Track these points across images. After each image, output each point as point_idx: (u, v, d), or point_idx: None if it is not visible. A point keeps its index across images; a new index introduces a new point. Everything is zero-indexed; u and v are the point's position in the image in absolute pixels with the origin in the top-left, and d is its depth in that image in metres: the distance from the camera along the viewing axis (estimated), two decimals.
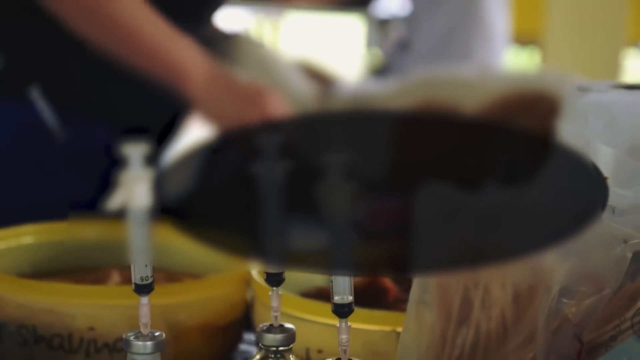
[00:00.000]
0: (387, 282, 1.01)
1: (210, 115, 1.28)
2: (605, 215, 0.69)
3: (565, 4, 3.67)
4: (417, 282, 0.75)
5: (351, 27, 5.06)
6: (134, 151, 0.61)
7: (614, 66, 3.59)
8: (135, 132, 0.63)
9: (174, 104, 1.37)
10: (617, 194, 0.70)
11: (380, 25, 4.66)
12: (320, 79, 1.70)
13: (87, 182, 1.36)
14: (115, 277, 1.05)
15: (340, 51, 5.20)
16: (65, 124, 1.36)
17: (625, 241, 0.67)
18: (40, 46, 1.35)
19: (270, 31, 5.18)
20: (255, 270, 0.97)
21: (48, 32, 1.33)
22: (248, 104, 1.27)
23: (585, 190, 0.71)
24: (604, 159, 0.71)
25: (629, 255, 0.67)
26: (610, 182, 0.70)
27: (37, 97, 1.34)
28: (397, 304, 0.98)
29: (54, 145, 1.35)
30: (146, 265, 0.66)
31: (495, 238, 0.70)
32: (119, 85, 1.36)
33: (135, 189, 0.62)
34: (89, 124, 1.37)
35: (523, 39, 4.32)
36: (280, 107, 1.26)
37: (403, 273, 0.94)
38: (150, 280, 0.66)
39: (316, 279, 1.04)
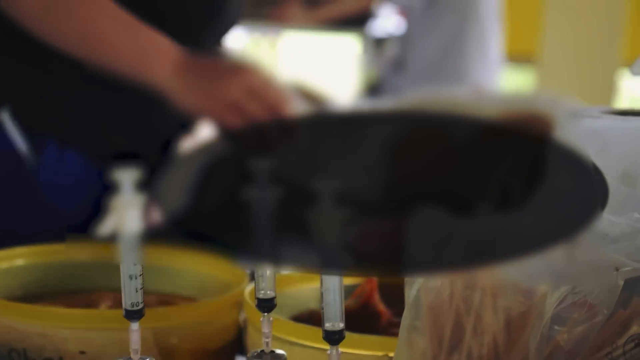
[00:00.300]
0: (380, 306, 1.01)
1: (186, 95, 1.22)
2: (598, 242, 0.69)
3: (561, 24, 3.68)
4: (408, 308, 0.75)
5: (347, 46, 5.06)
6: (125, 177, 0.61)
7: (609, 87, 3.60)
8: (125, 158, 0.63)
9: (149, 132, 1.35)
10: (609, 221, 0.70)
11: (376, 45, 4.67)
12: (312, 99, 1.70)
13: (59, 208, 1.34)
14: (107, 300, 1.05)
15: (335, 71, 5.20)
16: (38, 150, 1.34)
17: (617, 268, 0.67)
18: (11, 69, 1.34)
19: (266, 51, 5.18)
20: (248, 294, 0.96)
21: (20, 55, 1.32)
22: (227, 78, 1.21)
23: (585, 191, 0.71)
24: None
25: (621, 282, 0.67)
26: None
27: (7, 122, 1.32)
28: (390, 328, 0.97)
29: (24, 170, 1.33)
30: (137, 291, 0.66)
31: (487, 262, 0.70)
32: (93, 112, 1.34)
33: (126, 215, 0.62)
34: (62, 150, 1.35)
35: (518, 59, 4.33)
36: (263, 80, 1.22)
37: (395, 274, 0.94)
38: (140, 306, 0.66)
39: (309, 302, 1.04)
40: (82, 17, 1.22)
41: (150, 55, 1.21)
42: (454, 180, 0.86)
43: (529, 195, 0.74)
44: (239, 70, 1.21)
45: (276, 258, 0.70)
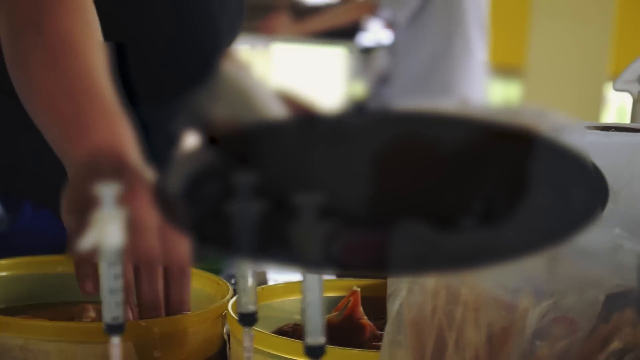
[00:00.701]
0: (363, 319, 1.01)
1: (73, 192, 0.99)
2: (580, 258, 0.69)
3: (547, 36, 3.69)
4: (390, 323, 0.75)
5: (336, 58, 5.07)
6: (106, 191, 0.61)
7: (596, 100, 3.61)
8: None
9: None
10: (591, 236, 0.70)
11: (364, 57, 4.68)
12: (299, 109, 1.70)
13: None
14: (91, 312, 1.05)
15: (323, 82, 5.21)
16: (12, 211, 1.32)
17: (598, 284, 0.67)
18: None
19: (255, 62, 5.19)
20: (231, 307, 0.96)
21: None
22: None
23: (584, 191, 0.71)
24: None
25: (602, 298, 0.67)
26: None
27: None
28: (373, 341, 0.97)
29: None
30: (117, 305, 0.66)
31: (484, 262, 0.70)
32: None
33: (107, 229, 0.62)
34: (37, 211, 1.33)
35: (505, 71, 4.35)
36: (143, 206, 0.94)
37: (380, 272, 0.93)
38: (121, 321, 0.66)
39: (295, 314, 1.04)
40: (32, 62, 1.08)
41: (76, 136, 1.02)
42: (439, 192, 0.86)
43: (514, 208, 0.74)
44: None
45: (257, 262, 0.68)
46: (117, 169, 0.97)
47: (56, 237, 1.22)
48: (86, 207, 0.85)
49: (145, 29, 1.32)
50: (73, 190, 0.97)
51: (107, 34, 1.14)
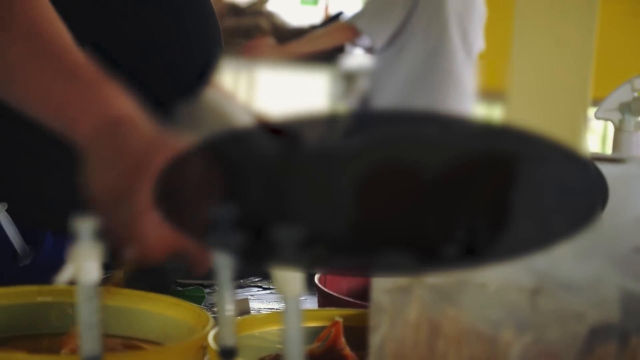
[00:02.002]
0: (346, 349, 1.01)
1: (91, 173, 1.01)
2: (562, 291, 0.68)
3: (530, 61, 3.70)
4: (373, 356, 0.74)
5: (318, 82, 5.08)
6: (84, 226, 0.61)
7: (579, 125, 3.61)
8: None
9: None
10: (574, 269, 0.70)
11: (346, 80, 4.69)
12: (277, 132, 1.69)
13: None
14: (72, 343, 1.04)
15: (305, 105, 5.22)
16: (35, 243, 1.32)
17: (581, 317, 0.67)
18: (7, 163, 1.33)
19: (237, 86, 5.20)
20: (212, 339, 0.95)
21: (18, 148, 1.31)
22: (134, 168, 0.98)
23: (584, 190, 0.71)
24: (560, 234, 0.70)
25: (585, 331, 0.67)
26: (567, 258, 0.70)
27: (3, 218, 1.30)
28: None
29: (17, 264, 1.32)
30: (95, 340, 0.65)
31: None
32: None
33: (84, 264, 0.61)
34: (57, 239, 1.33)
35: (487, 95, 4.36)
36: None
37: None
38: (98, 354, 0.65)
39: (277, 343, 1.03)
40: (10, 58, 1.09)
41: (75, 114, 1.04)
42: (421, 219, 0.85)
43: (496, 237, 0.73)
44: (148, 159, 0.97)
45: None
46: (126, 133, 1.00)
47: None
48: (111, 177, 0.97)
49: (134, 32, 1.33)
50: (93, 168, 1.00)
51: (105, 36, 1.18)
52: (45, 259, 1.32)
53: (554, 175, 0.71)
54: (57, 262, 1.28)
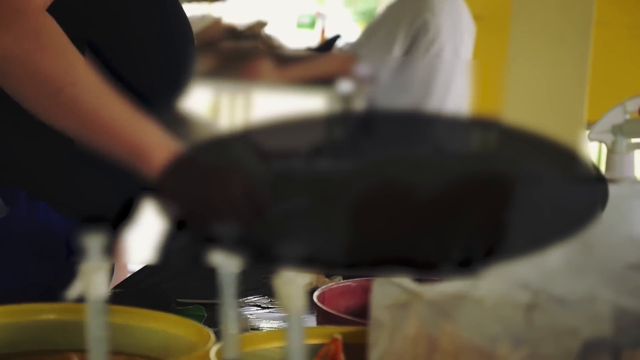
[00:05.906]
0: None
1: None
2: (557, 307, 0.70)
3: (524, 86, 3.72)
4: None
5: (316, 106, 5.09)
6: (93, 242, 0.62)
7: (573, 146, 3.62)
8: (93, 221, 0.64)
9: (121, 189, 1.37)
10: (568, 285, 0.71)
11: (344, 103, 4.70)
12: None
13: (30, 256, 1.36)
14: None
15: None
16: (10, 201, 1.36)
17: (574, 332, 0.69)
18: None
19: (232, 109, 5.20)
20: (214, 355, 0.97)
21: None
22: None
23: (584, 190, 0.72)
24: (555, 250, 0.72)
25: (578, 346, 0.68)
26: (561, 274, 0.71)
27: None
28: None
29: None
30: (103, 355, 0.66)
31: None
32: (62, 166, 1.36)
33: (93, 280, 0.63)
34: (32, 202, 1.37)
35: (484, 120, 4.36)
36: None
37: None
38: None
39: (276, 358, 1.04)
40: (86, 105, 1.23)
41: (148, 149, 1.22)
42: (417, 240, 0.87)
43: (490, 256, 0.75)
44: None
45: None
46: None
47: (53, 225, 1.36)
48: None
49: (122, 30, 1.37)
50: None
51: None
52: (21, 213, 1.35)
53: (548, 195, 0.72)
54: (33, 218, 1.35)
